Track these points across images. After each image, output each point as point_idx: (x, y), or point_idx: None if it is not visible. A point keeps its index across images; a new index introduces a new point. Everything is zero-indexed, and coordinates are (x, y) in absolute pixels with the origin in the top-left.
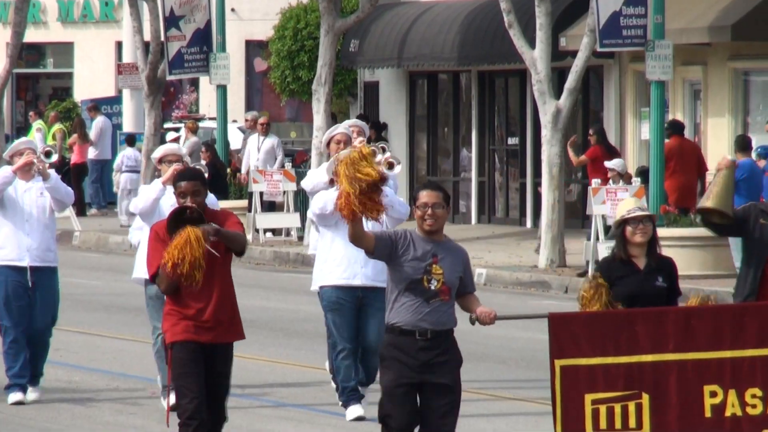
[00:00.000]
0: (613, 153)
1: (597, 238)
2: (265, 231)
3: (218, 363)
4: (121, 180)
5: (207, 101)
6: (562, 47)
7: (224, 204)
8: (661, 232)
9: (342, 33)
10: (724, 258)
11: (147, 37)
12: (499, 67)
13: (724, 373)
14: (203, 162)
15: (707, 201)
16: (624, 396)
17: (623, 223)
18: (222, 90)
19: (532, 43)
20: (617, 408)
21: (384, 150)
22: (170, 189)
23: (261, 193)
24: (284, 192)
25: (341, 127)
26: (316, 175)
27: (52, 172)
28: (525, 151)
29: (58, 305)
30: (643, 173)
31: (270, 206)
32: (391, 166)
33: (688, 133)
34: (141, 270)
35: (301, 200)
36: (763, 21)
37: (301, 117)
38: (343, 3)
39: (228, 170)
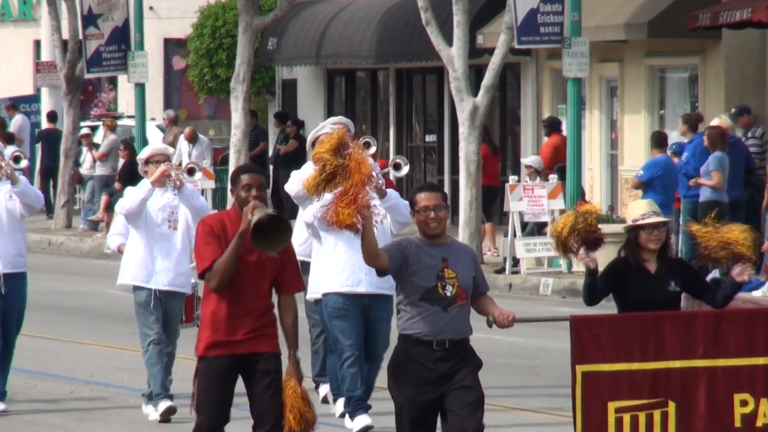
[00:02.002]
0: (497, 152)
1: (514, 235)
2: None
3: (261, 365)
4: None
5: (125, 99)
6: (480, 45)
7: None
8: None
9: (260, 31)
10: None
11: (65, 35)
12: (417, 65)
13: (756, 381)
14: (121, 160)
15: None
16: (649, 404)
17: (637, 228)
18: (140, 88)
19: (449, 40)
20: (642, 417)
21: (369, 145)
22: (158, 191)
23: None
24: (203, 190)
25: (327, 127)
26: (302, 178)
27: (20, 175)
28: (443, 149)
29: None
30: (560, 170)
31: None
32: (397, 167)
33: (604, 130)
34: (127, 276)
35: (220, 198)
36: (678, 18)
37: (220, 115)
38: (261, 1)
39: None
